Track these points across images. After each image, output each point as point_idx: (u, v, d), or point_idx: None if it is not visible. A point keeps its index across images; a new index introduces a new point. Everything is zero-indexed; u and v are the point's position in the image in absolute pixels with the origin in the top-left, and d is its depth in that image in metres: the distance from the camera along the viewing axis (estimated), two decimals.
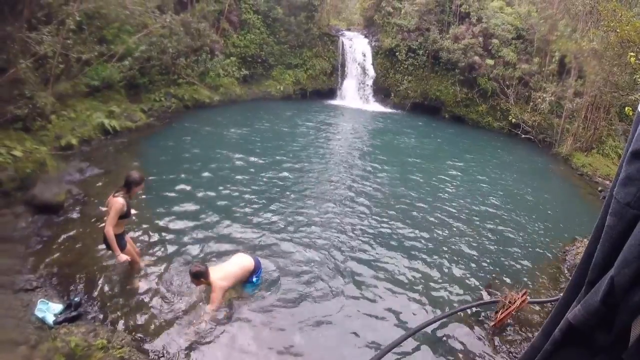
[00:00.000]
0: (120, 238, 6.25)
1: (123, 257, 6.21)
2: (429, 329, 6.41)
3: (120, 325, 5.82)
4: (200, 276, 5.95)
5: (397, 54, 25.17)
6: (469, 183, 13.57)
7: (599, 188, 15.50)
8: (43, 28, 10.74)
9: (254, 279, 6.72)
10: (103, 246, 7.04)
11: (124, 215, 6.10)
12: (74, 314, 5.73)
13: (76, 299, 5.94)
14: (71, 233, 7.85)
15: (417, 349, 6.08)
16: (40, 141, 10.29)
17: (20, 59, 9.97)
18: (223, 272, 6.27)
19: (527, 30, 23.16)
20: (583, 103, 19.14)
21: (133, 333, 5.69)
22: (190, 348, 5.56)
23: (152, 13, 16.28)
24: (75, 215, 8.49)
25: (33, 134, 10.33)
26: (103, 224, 7.95)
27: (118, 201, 6.00)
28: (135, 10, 15.07)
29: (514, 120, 21.86)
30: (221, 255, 7.56)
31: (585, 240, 10.07)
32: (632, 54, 11.46)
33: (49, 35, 10.78)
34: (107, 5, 13.99)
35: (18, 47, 9.94)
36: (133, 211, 6.60)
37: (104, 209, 8.60)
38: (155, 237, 7.98)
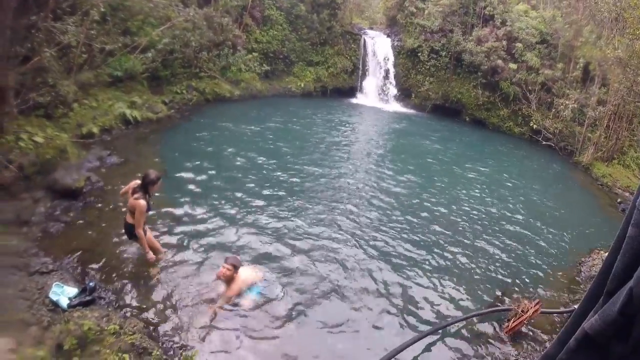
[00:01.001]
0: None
1: (152, 256, 6.55)
2: (439, 334, 6.35)
3: (133, 311, 5.87)
4: (236, 268, 6.19)
5: (419, 54, 24.95)
6: (487, 188, 13.38)
7: (618, 199, 15.10)
8: (68, 18, 10.88)
9: (259, 287, 6.72)
10: (121, 232, 7.18)
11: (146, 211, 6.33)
12: (88, 298, 5.77)
13: (91, 283, 5.99)
14: (89, 219, 7.94)
15: (427, 352, 6.02)
16: (62, 128, 10.42)
17: (44, 47, 10.08)
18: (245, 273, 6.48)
19: (552, 35, 22.70)
20: (606, 112, 18.67)
21: (145, 320, 5.72)
22: (200, 338, 5.58)
23: (175, 6, 16.42)
24: (93, 201, 8.58)
25: (55, 121, 10.47)
26: (122, 212, 8.17)
27: (141, 204, 6.16)
28: (159, 3, 15.22)
29: (535, 126, 21.45)
30: (232, 252, 7.58)
31: (602, 251, 9.88)
32: None
33: (73, 26, 10.91)
34: None
35: (43, 36, 10.05)
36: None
37: (121, 198, 8.78)
38: (169, 229, 8.01)
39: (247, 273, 6.56)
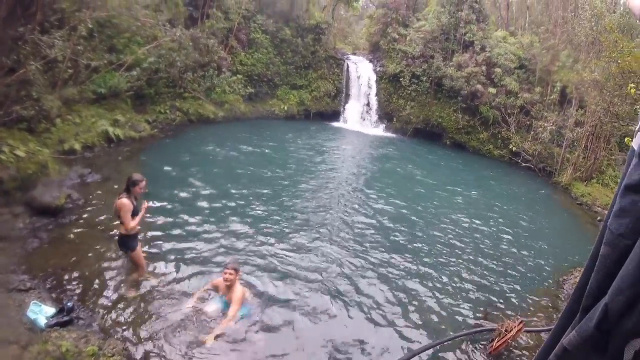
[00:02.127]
0: (133, 238, 6.59)
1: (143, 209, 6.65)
2: (422, 356, 6.29)
3: (112, 333, 5.71)
4: (237, 271, 6.43)
5: (401, 79, 25.48)
6: (467, 210, 13.49)
7: (598, 217, 15.37)
8: (55, 32, 10.87)
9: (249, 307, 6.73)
10: (101, 250, 7.16)
11: (132, 213, 6.38)
12: (65, 318, 5.62)
13: (69, 303, 5.85)
14: (68, 237, 7.78)
15: None
16: (44, 143, 10.27)
17: (30, 60, 10.01)
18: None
19: (530, 60, 23.48)
20: (583, 132, 19.25)
21: (125, 341, 5.61)
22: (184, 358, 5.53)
23: (162, 26, 16.54)
24: (73, 219, 8.42)
25: (37, 136, 10.33)
26: (102, 230, 8.12)
27: (124, 201, 6.29)
28: (147, 22, 15.32)
29: (514, 149, 21.88)
30: (212, 267, 7.56)
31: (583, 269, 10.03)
32: (632, 85, 11.51)
33: (60, 40, 10.91)
34: (120, 15, 14.24)
35: (29, 48, 9.98)
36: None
37: (102, 217, 8.69)
38: (150, 247, 7.93)
39: (245, 290, 6.69)
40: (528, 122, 22.30)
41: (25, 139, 9.75)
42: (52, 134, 10.88)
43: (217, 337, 5.89)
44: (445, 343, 6.65)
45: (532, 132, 21.70)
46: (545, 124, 20.53)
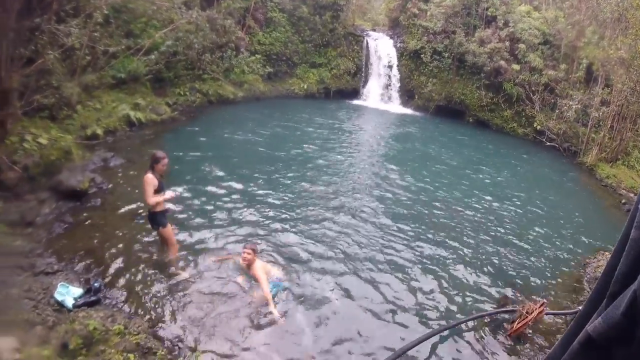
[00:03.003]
0: (161, 215, 6.65)
1: (169, 194, 6.67)
2: (444, 334, 6.32)
3: (138, 312, 5.85)
4: (255, 251, 6.69)
5: (422, 55, 24.90)
6: (490, 190, 13.33)
7: (623, 200, 14.94)
8: (71, 20, 10.93)
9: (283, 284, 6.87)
10: (125, 232, 7.27)
11: (157, 190, 6.46)
12: (93, 298, 5.77)
13: (96, 284, 5.99)
14: (94, 220, 7.95)
15: (431, 353, 5.98)
16: (66, 130, 10.45)
17: (48, 50, 10.12)
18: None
19: (554, 36, 22.59)
20: (609, 112, 18.55)
21: (150, 320, 5.71)
22: (206, 338, 5.56)
23: (178, 9, 16.42)
24: (98, 202, 8.60)
25: (59, 123, 10.51)
26: (127, 212, 8.24)
27: (147, 176, 6.38)
28: (162, 5, 15.25)
29: (539, 127, 21.28)
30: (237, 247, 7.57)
31: (607, 253, 9.78)
32: None
33: (77, 28, 10.96)
34: (135, 0, 14.18)
35: (46, 38, 10.09)
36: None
37: (126, 199, 8.87)
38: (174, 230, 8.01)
39: (265, 265, 6.91)
40: (553, 100, 21.58)
41: (48, 126, 9.93)
42: (74, 121, 11.05)
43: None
44: (466, 323, 6.65)
45: (557, 111, 20.97)
46: (571, 103, 19.78)
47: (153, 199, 6.39)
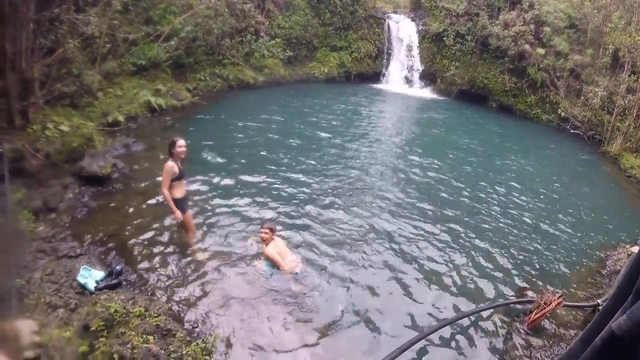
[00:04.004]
0: (181, 202, 6.67)
1: (179, 214, 6.61)
2: (461, 323, 6.24)
3: (158, 294, 5.93)
4: (272, 231, 6.79)
5: (444, 38, 24.29)
6: (512, 178, 13.00)
7: None
8: (90, 9, 11.03)
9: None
10: (146, 216, 7.34)
11: (177, 177, 6.49)
12: (114, 281, 5.87)
13: (118, 267, 6.08)
14: (116, 204, 8.07)
15: (449, 340, 5.93)
16: (88, 117, 10.61)
17: (68, 39, 10.25)
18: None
19: (580, 20, 21.56)
20: (635, 100, 17.74)
21: (170, 302, 5.78)
22: (225, 320, 5.61)
23: None
24: (120, 187, 8.73)
25: (80, 110, 10.67)
26: (148, 196, 8.34)
27: (167, 164, 6.38)
28: None
29: (563, 114, 20.40)
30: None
31: (629, 246, 9.49)
32: None
33: (96, 17, 11.07)
34: None
35: (66, 28, 10.21)
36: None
37: (148, 183, 8.98)
38: (195, 215, 8.02)
39: (281, 246, 6.92)
40: (578, 87, 20.68)
41: (69, 114, 10.09)
42: (95, 108, 11.19)
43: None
44: (483, 312, 6.55)
45: (582, 98, 20.11)
46: (596, 89, 18.92)
47: (166, 193, 6.43)
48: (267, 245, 6.66)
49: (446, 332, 5.98)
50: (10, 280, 4.57)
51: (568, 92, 21.00)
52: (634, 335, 1.34)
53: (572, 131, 19.97)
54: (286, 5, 22.84)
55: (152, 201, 8.34)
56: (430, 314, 6.40)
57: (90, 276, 5.81)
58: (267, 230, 6.71)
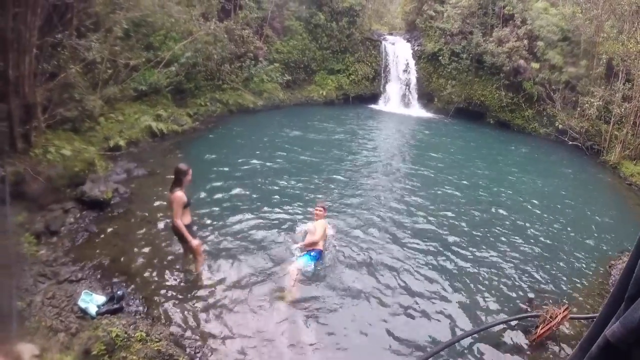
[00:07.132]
0: (189, 227, 6.64)
1: (196, 242, 6.65)
2: (467, 341, 6.18)
3: (160, 319, 5.88)
4: (325, 209, 8.27)
5: (440, 58, 24.60)
6: (512, 191, 13.05)
7: None
8: (91, 35, 11.17)
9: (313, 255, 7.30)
10: (148, 241, 7.31)
11: (185, 205, 6.48)
12: (116, 306, 5.83)
13: (119, 292, 6.05)
14: (117, 229, 8.05)
15: (456, 359, 5.87)
16: (89, 142, 10.66)
17: (70, 64, 10.35)
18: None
19: (573, 32, 21.83)
20: (632, 108, 17.83)
21: (172, 327, 5.73)
22: (226, 348, 5.55)
23: (196, 20, 16.67)
24: (121, 212, 8.72)
25: (82, 135, 10.72)
26: (149, 222, 8.29)
27: (178, 195, 6.36)
28: (180, 18, 15.46)
29: (560, 126, 20.54)
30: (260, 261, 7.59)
31: None
32: None
33: (97, 42, 11.20)
34: (153, 14, 14.39)
35: (68, 53, 10.34)
36: None
37: (149, 208, 8.96)
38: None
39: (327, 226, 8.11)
40: (574, 98, 20.79)
41: (71, 138, 10.14)
42: (96, 132, 11.26)
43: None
44: (489, 329, 6.48)
45: (578, 109, 20.22)
46: (592, 100, 19.04)
47: (180, 223, 6.38)
48: (318, 219, 7.88)
49: (453, 350, 5.93)
50: (11, 303, 4.53)
51: (564, 104, 21.10)
52: (628, 342, 1.35)
53: (571, 143, 20.07)
54: (284, 30, 23.16)
55: (154, 226, 8.32)
56: (436, 333, 6.33)
57: (92, 301, 5.78)
58: (321, 208, 8.05)
